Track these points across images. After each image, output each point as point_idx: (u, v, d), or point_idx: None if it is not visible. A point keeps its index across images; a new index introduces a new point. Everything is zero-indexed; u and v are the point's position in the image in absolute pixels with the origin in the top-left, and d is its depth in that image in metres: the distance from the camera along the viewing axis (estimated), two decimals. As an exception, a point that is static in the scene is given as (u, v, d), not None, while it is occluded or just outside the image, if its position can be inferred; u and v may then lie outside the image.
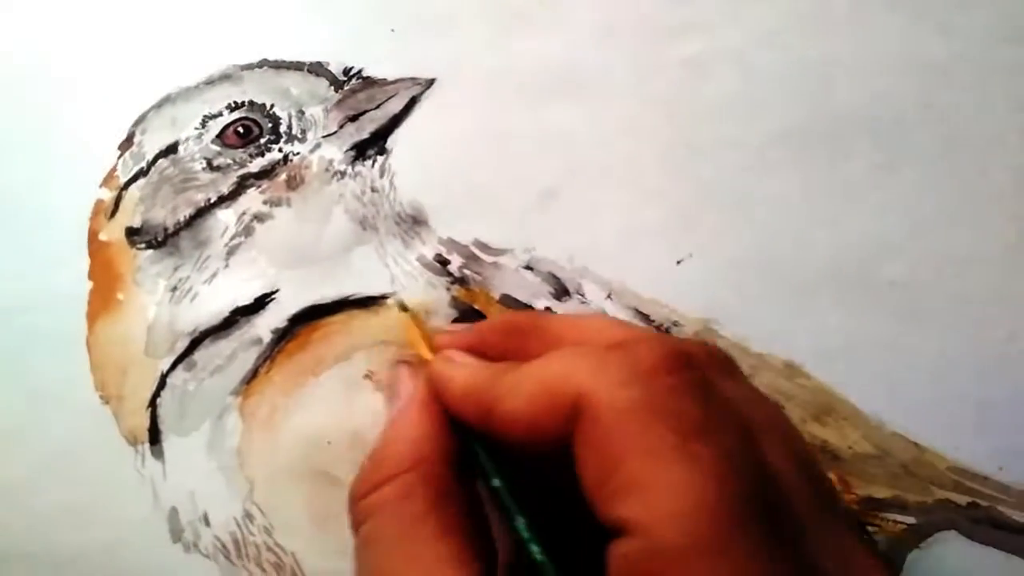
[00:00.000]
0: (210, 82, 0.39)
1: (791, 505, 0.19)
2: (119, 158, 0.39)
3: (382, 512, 0.23)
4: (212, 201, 0.37)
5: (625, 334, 0.24)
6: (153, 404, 0.35)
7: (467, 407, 0.24)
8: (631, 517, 0.18)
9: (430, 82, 0.38)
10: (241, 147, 0.38)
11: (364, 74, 0.39)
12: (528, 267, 0.36)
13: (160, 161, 0.38)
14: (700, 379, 0.20)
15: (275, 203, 0.37)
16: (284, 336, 0.35)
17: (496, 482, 0.23)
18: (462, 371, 0.25)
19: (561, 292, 0.35)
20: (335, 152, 0.38)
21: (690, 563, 0.17)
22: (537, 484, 0.23)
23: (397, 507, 0.23)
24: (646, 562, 0.18)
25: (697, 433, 0.19)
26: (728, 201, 0.37)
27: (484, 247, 0.36)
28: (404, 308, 0.34)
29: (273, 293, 0.36)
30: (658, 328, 0.34)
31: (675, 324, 0.34)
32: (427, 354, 0.29)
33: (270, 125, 0.38)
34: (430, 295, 0.35)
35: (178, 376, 0.35)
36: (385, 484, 0.24)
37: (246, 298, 0.36)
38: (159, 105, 0.39)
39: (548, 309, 0.35)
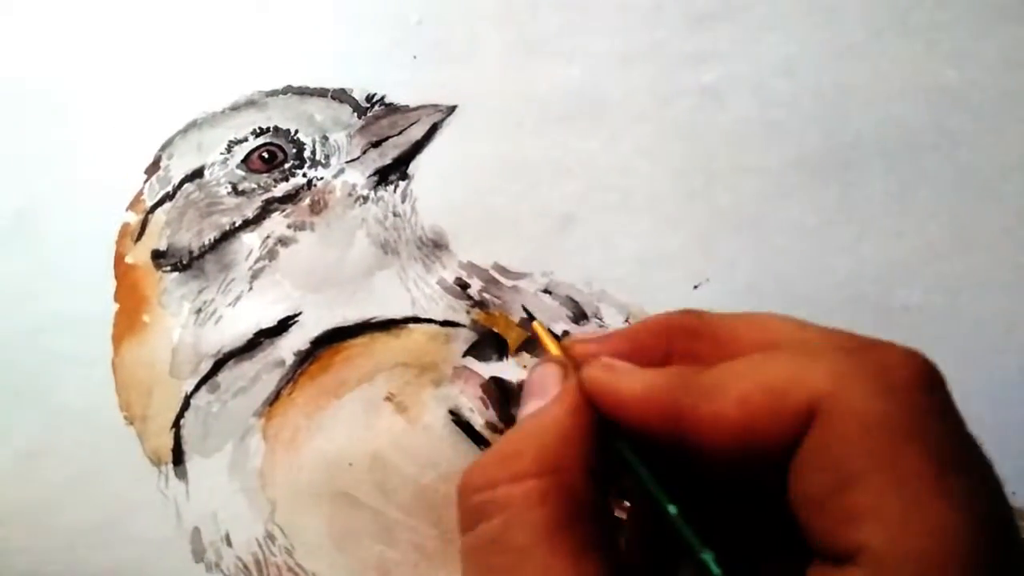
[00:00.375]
0: (235, 108, 0.40)
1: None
2: (145, 182, 0.39)
3: (510, 514, 0.21)
4: (237, 225, 0.38)
5: (842, 337, 0.21)
6: (177, 425, 0.35)
7: (649, 412, 0.21)
8: (867, 544, 0.17)
9: (451, 108, 0.39)
10: (266, 172, 0.39)
11: (386, 101, 0.40)
12: (547, 291, 0.36)
13: (186, 185, 0.39)
14: (951, 402, 0.19)
15: (299, 227, 0.38)
16: (307, 358, 0.36)
17: (659, 492, 0.22)
18: (633, 376, 0.22)
19: (579, 316, 0.36)
20: (358, 177, 0.38)
21: None
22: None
23: (529, 512, 0.21)
24: None
25: (955, 465, 0.17)
26: (745, 226, 0.37)
27: (503, 271, 0.37)
28: (532, 317, 0.34)
29: (296, 316, 0.36)
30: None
31: (692, 348, 0.35)
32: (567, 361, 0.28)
33: (294, 151, 0.39)
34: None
35: (202, 397, 0.35)
36: (515, 482, 0.21)
37: (270, 320, 0.36)
38: (185, 130, 0.40)
39: (566, 332, 0.35)
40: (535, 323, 0.30)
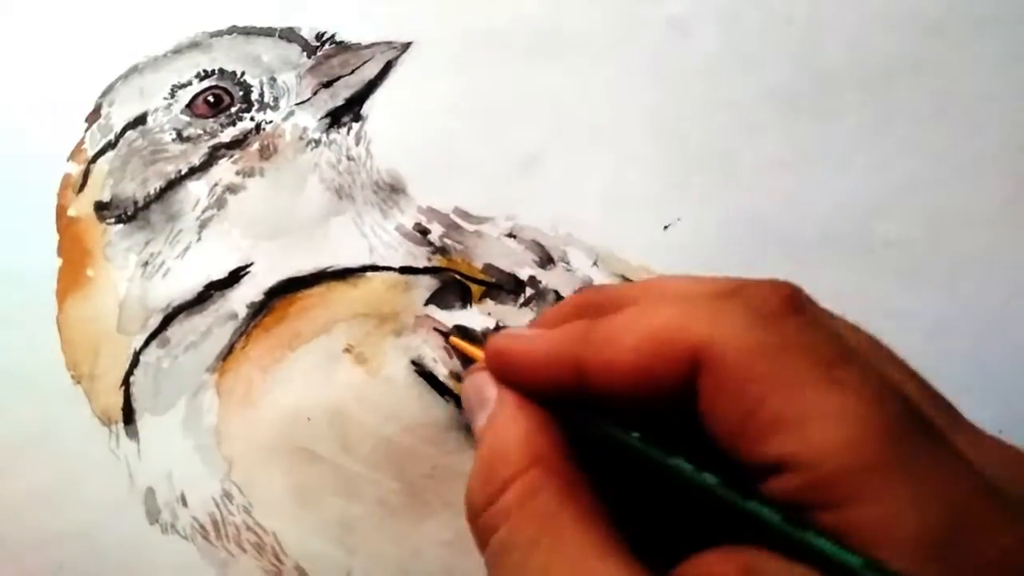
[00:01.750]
0: (178, 51, 0.39)
1: (930, 415, 0.19)
2: (86, 131, 0.38)
3: (511, 517, 0.22)
4: (183, 173, 0.36)
5: (720, 283, 0.23)
6: (126, 382, 0.34)
7: (553, 369, 0.22)
8: (788, 452, 0.18)
9: (406, 45, 0.38)
10: (212, 117, 0.37)
11: (337, 38, 0.38)
12: (511, 235, 0.35)
13: (128, 133, 0.38)
14: (820, 315, 0.20)
15: (248, 174, 0.36)
16: (260, 310, 0.35)
17: (635, 435, 0.22)
18: (535, 338, 0.23)
19: (545, 260, 0.35)
20: (309, 120, 0.37)
21: (868, 484, 0.17)
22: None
23: (526, 508, 0.22)
24: (815, 491, 0.18)
25: (837, 361, 0.19)
26: (716, 163, 0.36)
27: (465, 215, 0.36)
28: (446, 335, 0.34)
29: (248, 266, 0.35)
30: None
31: (663, 290, 0.34)
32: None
33: (241, 93, 0.38)
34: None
35: (151, 353, 0.34)
36: (506, 490, 0.22)
37: (220, 272, 0.35)
38: (126, 75, 0.39)
39: (532, 278, 0.34)
40: (452, 339, 0.30)
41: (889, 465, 0.17)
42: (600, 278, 0.34)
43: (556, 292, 0.34)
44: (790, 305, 0.20)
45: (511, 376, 0.24)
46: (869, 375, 0.18)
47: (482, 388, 0.25)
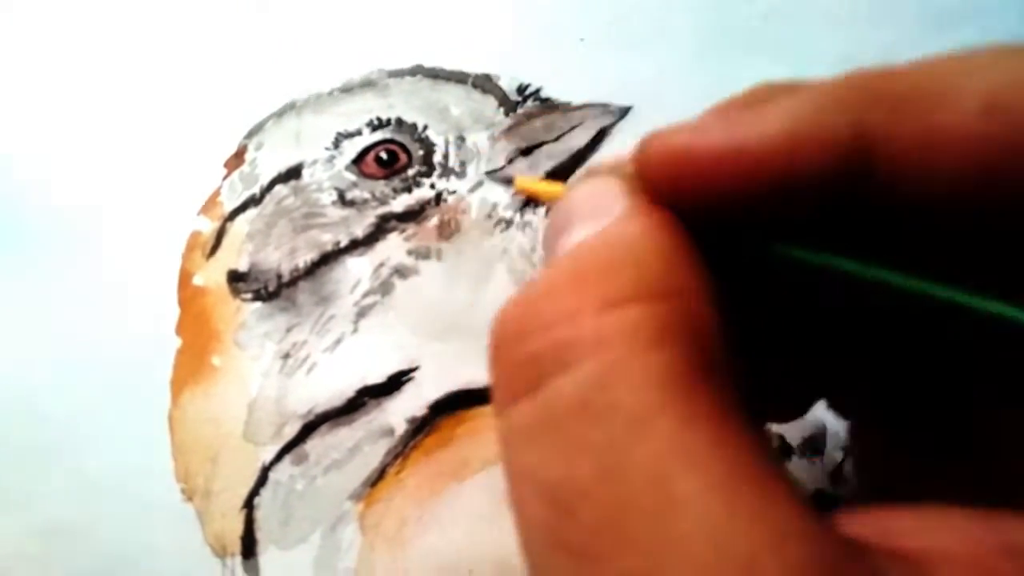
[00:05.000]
0: (348, 89, 0.35)
1: None
2: (225, 179, 0.34)
3: (608, 358, 0.13)
4: (343, 246, 0.32)
5: None
6: (249, 505, 0.30)
7: (809, 157, 0.14)
8: None
9: (624, 110, 0.34)
10: (383, 178, 0.33)
11: (543, 94, 0.34)
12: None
13: (278, 187, 0.34)
14: None
15: (422, 255, 0.32)
16: (422, 428, 0.30)
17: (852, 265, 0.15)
18: (757, 118, 0.15)
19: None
20: (501, 194, 0.33)
21: None
22: None
23: (641, 356, 0.13)
24: None
25: None
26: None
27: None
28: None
29: (412, 371, 0.31)
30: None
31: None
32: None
33: (421, 153, 0.34)
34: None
35: (284, 471, 0.30)
36: (609, 310, 0.14)
37: (378, 376, 0.31)
38: (281, 114, 0.35)
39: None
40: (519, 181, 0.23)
41: None
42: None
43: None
44: None
45: (695, 181, 0.15)
46: None
47: (601, 197, 0.16)
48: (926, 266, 0.15)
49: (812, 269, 0.15)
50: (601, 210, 0.16)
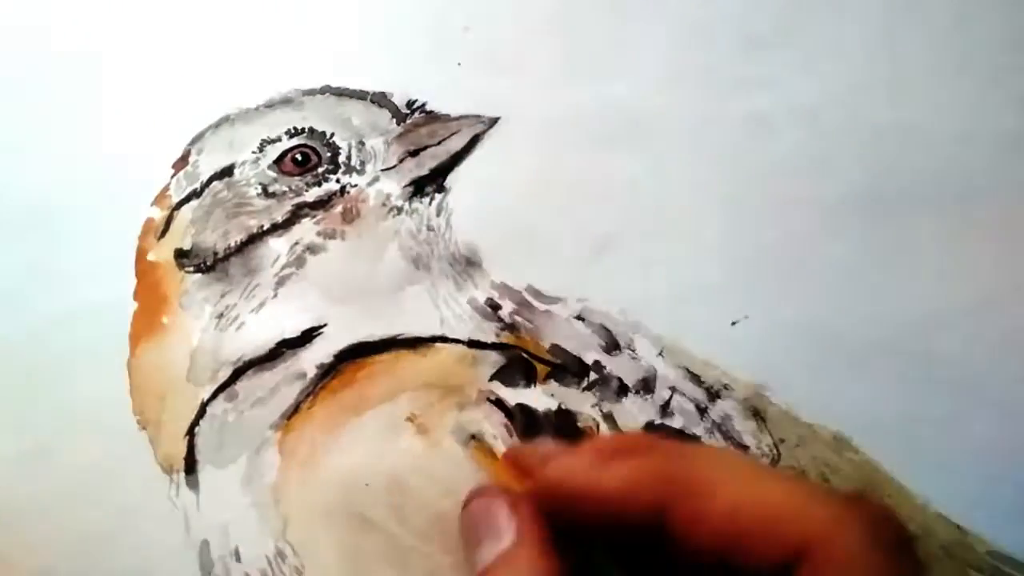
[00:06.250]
0: (271, 106, 0.40)
1: None
2: (173, 177, 0.39)
3: None
4: (265, 228, 0.38)
5: (832, 492, 0.24)
6: (191, 432, 0.35)
7: (632, 505, 0.22)
8: None
9: (494, 120, 0.39)
10: (298, 175, 0.38)
11: (427, 108, 0.40)
12: (580, 317, 0.36)
13: (214, 183, 0.39)
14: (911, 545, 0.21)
15: (329, 235, 0.38)
16: (329, 372, 0.36)
17: None
18: (612, 468, 0.23)
19: (612, 346, 0.36)
20: (393, 187, 0.38)
21: None
22: None
23: None
24: None
25: None
26: (787, 263, 0.37)
27: (537, 294, 0.37)
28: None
29: (321, 327, 0.36)
30: (708, 391, 0.35)
31: (725, 387, 0.35)
32: (518, 485, 0.28)
33: (329, 154, 0.39)
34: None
35: (219, 406, 0.35)
36: None
37: (293, 331, 0.36)
38: (217, 125, 0.40)
39: (597, 363, 0.36)
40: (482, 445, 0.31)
41: None
42: (664, 369, 0.35)
43: (619, 379, 0.35)
44: (901, 542, 0.21)
45: (565, 507, 0.23)
46: None
47: (496, 515, 0.25)
48: None
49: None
50: (494, 529, 0.24)
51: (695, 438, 0.34)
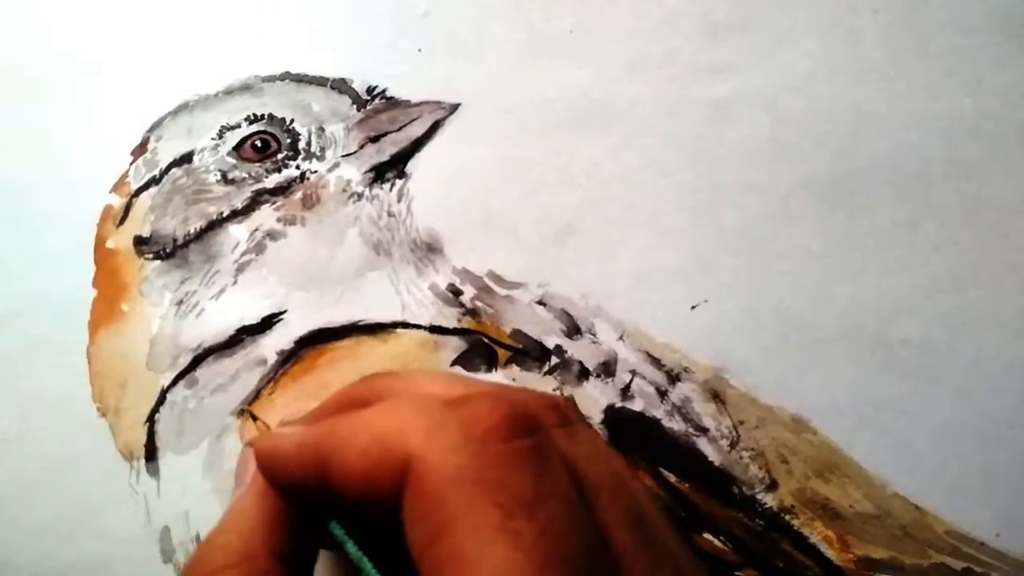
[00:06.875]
0: (230, 92, 0.40)
1: (621, 567, 0.20)
2: (131, 164, 0.39)
3: None
4: (224, 215, 0.38)
5: (467, 389, 0.24)
6: (151, 419, 0.36)
7: (300, 468, 0.23)
8: None
9: (455, 107, 0.39)
10: (258, 161, 0.38)
11: (388, 94, 0.39)
12: (541, 302, 0.37)
13: (173, 170, 0.39)
14: (535, 446, 0.21)
15: (289, 221, 0.38)
16: (290, 358, 0.36)
17: (353, 550, 0.23)
18: (287, 434, 0.24)
19: (573, 330, 0.36)
20: (353, 173, 0.38)
21: None
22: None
23: None
24: None
25: (521, 508, 0.19)
26: (747, 248, 0.38)
27: (498, 279, 0.37)
28: (254, 417, 0.35)
29: (281, 314, 0.36)
30: (668, 374, 0.35)
31: (686, 370, 0.36)
32: None
33: (288, 141, 0.39)
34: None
35: (179, 392, 0.36)
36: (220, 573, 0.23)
37: (253, 317, 0.36)
38: (176, 112, 0.40)
39: (558, 347, 0.36)
40: (246, 408, 0.32)
41: None
42: (625, 353, 0.36)
43: (580, 363, 0.36)
44: (505, 429, 0.20)
45: (266, 470, 0.25)
46: (549, 527, 0.19)
47: (245, 465, 0.26)
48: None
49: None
50: (241, 478, 0.26)
51: (655, 420, 0.35)
